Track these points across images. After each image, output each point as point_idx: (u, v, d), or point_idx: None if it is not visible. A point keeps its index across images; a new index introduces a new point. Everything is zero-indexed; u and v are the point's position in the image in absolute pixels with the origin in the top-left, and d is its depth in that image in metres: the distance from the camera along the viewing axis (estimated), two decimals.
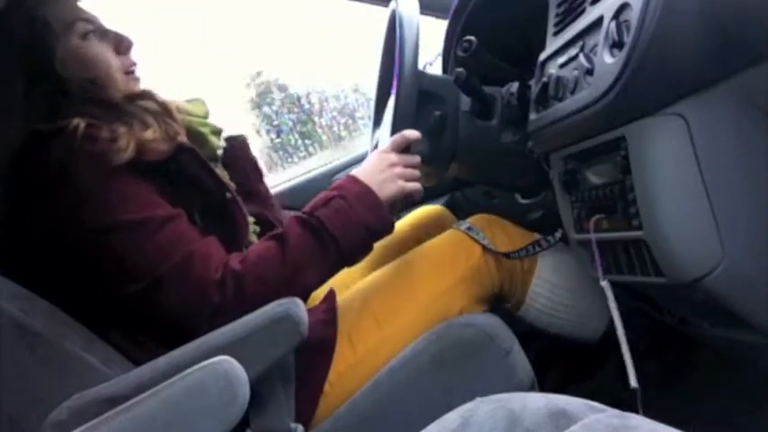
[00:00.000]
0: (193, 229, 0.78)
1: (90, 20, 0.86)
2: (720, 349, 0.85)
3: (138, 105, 0.83)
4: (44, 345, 0.65)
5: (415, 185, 0.88)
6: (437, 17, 1.30)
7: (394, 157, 0.87)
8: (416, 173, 0.89)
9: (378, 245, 0.93)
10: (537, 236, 0.96)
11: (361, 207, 0.81)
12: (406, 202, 0.90)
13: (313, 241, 0.78)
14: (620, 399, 0.58)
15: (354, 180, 0.84)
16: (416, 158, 0.90)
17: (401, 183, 0.86)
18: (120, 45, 0.87)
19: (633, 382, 0.65)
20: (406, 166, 0.88)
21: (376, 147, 1.17)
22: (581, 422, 0.39)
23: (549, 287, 0.95)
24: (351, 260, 0.82)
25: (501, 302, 0.96)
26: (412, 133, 0.88)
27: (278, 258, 0.76)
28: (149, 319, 0.75)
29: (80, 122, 0.74)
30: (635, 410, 0.41)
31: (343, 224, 0.79)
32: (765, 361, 0.75)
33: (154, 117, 0.82)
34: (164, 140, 0.79)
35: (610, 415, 0.40)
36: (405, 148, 0.89)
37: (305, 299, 0.79)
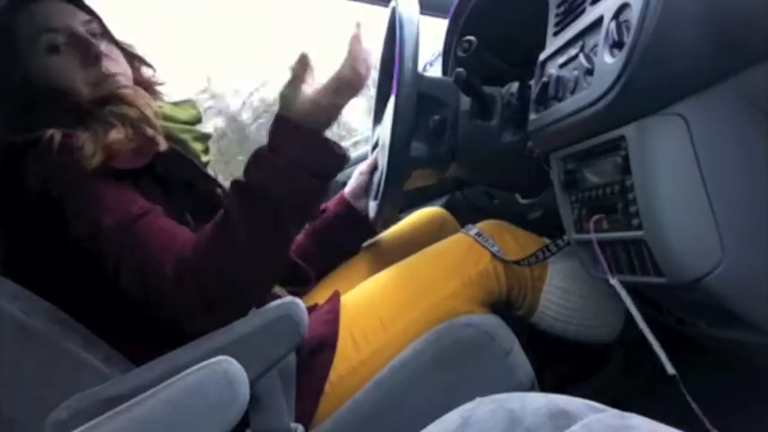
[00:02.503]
0: (165, 221, 0.75)
1: (57, 29, 0.83)
2: (720, 349, 0.85)
3: (108, 110, 0.81)
4: (44, 345, 0.65)
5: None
6: (437, 17, 1.30)
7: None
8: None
9: (379, 247, 0.92)
10: (546, 240, 0.96)
11: (297, 152, 0.71)
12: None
13: (259, 213, 0.70)
14: (621, 399, 0.58)
15: (281, 121, 0.73)
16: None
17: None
18: (88, 57, 0.84)
19: (670, 369, 0.64)
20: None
21: (376, 145, 1.17)
22: (581, 422, 0.39)
23: (562, 294, 0.94)
24: (311, 207, 0.75)
25: (510, 309, 0.96)
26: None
27: (228, 244, 0.70)
28: (139, 318, 0.75)
29: (55, 133, 0.74)
30: (633, 410, 0.41)
31: (283, 179, 0.70)
32: (765, 361, 0.75)
33: (122, 121, 0.80)
34: (134, 142, 0.78)
35: (610, 415, 0.40)
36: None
37: (281, 262, 0.75)
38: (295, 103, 0.72)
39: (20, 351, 0.64)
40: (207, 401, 0.53)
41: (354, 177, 1.18)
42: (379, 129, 1.18)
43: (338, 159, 0.74)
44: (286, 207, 0.71)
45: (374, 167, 1.13)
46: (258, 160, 0.72)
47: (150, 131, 0.81)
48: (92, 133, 0.76)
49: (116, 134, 0.77)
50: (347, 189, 1.17)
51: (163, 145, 0.82)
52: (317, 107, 0.72)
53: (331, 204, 1.17)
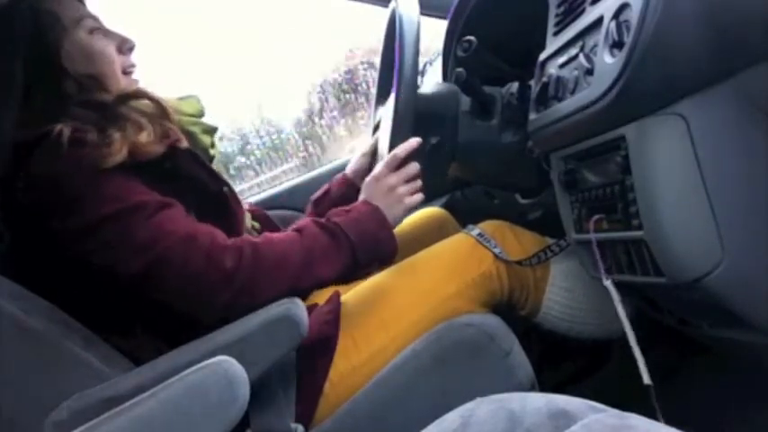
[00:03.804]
0: (187, 217, 0.78)
1: (95, 18, 0.88)
2: (720, 349, 0.85)
3: (130, 106, 0.83)
4: (44, 345, 0.65)
5: (419, 197, 0.91)
6: (437, 17, 1.30)
7: (392, 178, 0.90)
8: (417, 184, 0.91)
9: None
10: (549, 240, 0.96)
11: (373, 222, 0.85)
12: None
13: (330, 239, 0.81)
14: (621, 399, 0.58)
15: (365, 201, 0.89)
16: (414, 168, 0.91)
17: (406, 201, 0.90)
18: (123, 45, 0.89)
19: (646, 379, 0.65)
20: (406, 180, 0.90)
21: (377, 127, 1.17)
22: (581, 422, 0.39)
23: (565, 293, 0.94)
24: (358, 269, 0.84)
25: (512, 310, 0.95)
26: (403, 150, 0.90)
27: (296, 244, 0.79)
28: (152, 305, 0.74)
29: (64, 128, 0.74)
30: (633, 410, 0.41)
31: (358, 231, 0.83)
32: (765, 361, 0.75)
33: (148, 118, 0.82)
34: (157, 142, 0.79)
35: (610, 415, 0.40)
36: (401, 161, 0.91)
37: (312, 291, 0.81)
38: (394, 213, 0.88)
39: (20, 351, 0.63)
40: (207, 401, 0.53)
41: (355, 159, 1.20)
42: (381, 110, 1.19)
43: (394, 247, 0.87)
44: (349, 246, 0.82)
45: (375, 149, 1.14)
46: (342, 213, 0.86)
47: (171, 126, 0.84)
48: (122, 132, 0.77)
49: (146, 136, 0.79)
50: (349, 169, 1.19)
51: (184, 142, 0.84)
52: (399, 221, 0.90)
53: (334, 185, 1.18)
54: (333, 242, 0.81)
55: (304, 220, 0.85)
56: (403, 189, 0.90)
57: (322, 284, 0.81)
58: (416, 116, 0.91)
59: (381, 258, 0.87)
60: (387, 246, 0.86)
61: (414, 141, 0.90)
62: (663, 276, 0.64)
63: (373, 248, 0.84)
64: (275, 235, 0.82)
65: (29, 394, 0.63)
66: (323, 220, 0.85)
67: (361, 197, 0.91)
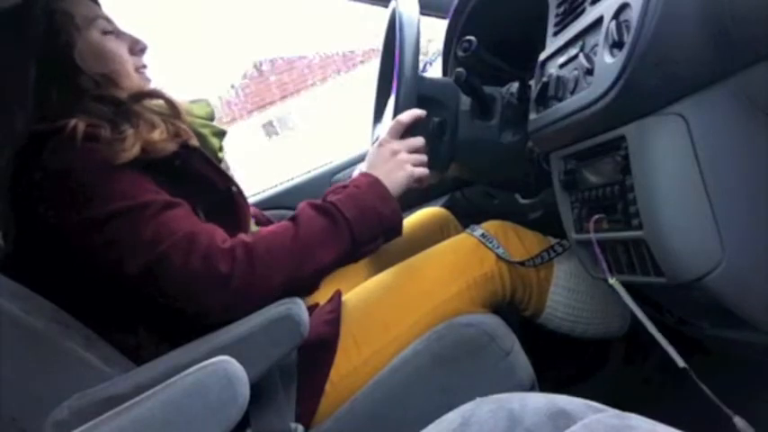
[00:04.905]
0: (197, 217, 0.79)
1: (109, 20, 0.88)
2: (720, 349, 0.85)
3: (144, 105, 0.83)
4: (44, 344, 0.65)
5: (423, 169, 0.89)
6: (437, 17, 1.30)
7: (395, 144, 0.88)
8: (422, 157, 0.90)
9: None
10: (551, 240, 0.96)
11: (372, 195, 0.82)
12: (418, 186, 0.90)
13: (326, 221, 0.79)
14: (621, 398, 0.58)
15: (364, 173, 0.86)
16: (419, 140, 0.90)
17: (409, 168, 0.87)
18: (135, 46, 0.90)
19: (680, 363, 0.65)
20: (410, 150, 0.89)
21: (377, 139, 1.17)
22: (581, 422, 0.39)
23: (569, 294, 0.94)
24: (361, 247, 0.81)
25: (516, 310, 0.95)
26: (407, 116, 0.89)
27: (290, 233, 0.77)
28: (155, 303, 0.74)
29: (78, 122, 0.74)
30: (633, 409, 0.41)
31: (356, 208, 0.80)
32: (765, 361, 0.75)
33: (161, 117, 0.82)
34: (170, 140, 0.80)
35: (610, 415, 0.40)
36: (405, 133, 0.89)
37: (318, 279, 0.79)
38: (396, 182, 0.85)
39: (20, 350, 0.64)
40: (207, 401, 0.53)
41: (356, 174, 1.19)
42: (379, 127, 1.19)
43: (399, 218, 0.85)
44: (347, 226, 0.79)
45: None
46: (339, 189, 0.83)
47: (183, 126, 0.84)
48: (136, 129, 0.78)
49: (159, 134, 0.79)
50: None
51: (194, 140, 0.84)
52: (402, 191, 0.87)
53: None
54: (329, 223, 0.78)
55: (300, 206, 0.82)
56: (406, 156, 0.87)
57: (326, 268, 0.79)
58: (419, 99, 0.90)
59: (385, 232, 0.83)
60: (389, 219, 0.83)
61: (417, 111, 0.89)
62: (663, 276, 0.64)
63: (374, 223, 0.81)
64: (268, 229, 0.80)
65: (30, 394, 0.63)
66: (319, 200, 0.82)
67: (363, 168, 0.90)
